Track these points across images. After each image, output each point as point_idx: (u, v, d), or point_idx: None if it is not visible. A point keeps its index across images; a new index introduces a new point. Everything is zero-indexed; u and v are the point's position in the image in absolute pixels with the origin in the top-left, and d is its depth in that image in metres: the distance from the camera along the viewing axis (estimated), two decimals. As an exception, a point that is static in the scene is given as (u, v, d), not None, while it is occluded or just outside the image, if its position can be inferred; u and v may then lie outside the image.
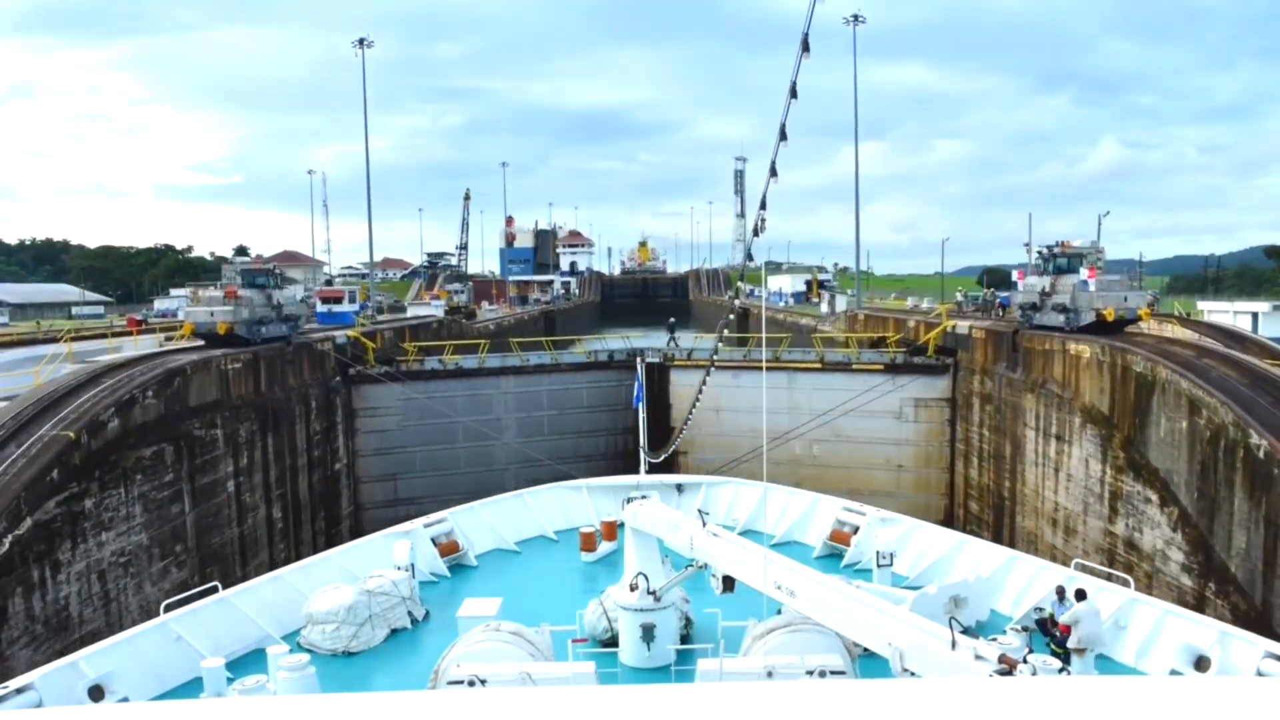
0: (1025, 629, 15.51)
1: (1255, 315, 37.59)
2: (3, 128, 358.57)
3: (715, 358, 39.13)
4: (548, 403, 45.49)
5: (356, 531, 35.94)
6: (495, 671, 11.56)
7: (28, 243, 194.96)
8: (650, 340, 53.75)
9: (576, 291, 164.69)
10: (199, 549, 28.43)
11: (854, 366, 43.02)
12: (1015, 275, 44.99)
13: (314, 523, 37.08)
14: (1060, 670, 11.72)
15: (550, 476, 28.16)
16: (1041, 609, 16.01)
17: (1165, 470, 26.27)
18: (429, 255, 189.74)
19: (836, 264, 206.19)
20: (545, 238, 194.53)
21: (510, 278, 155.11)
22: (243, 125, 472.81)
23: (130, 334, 44.16)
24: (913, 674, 10.15)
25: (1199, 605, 23.08)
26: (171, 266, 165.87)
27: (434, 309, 67.98)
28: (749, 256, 45.55)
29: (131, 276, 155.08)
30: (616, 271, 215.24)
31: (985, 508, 38.32)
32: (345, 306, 53.06)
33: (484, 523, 22.79)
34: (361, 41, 69.29)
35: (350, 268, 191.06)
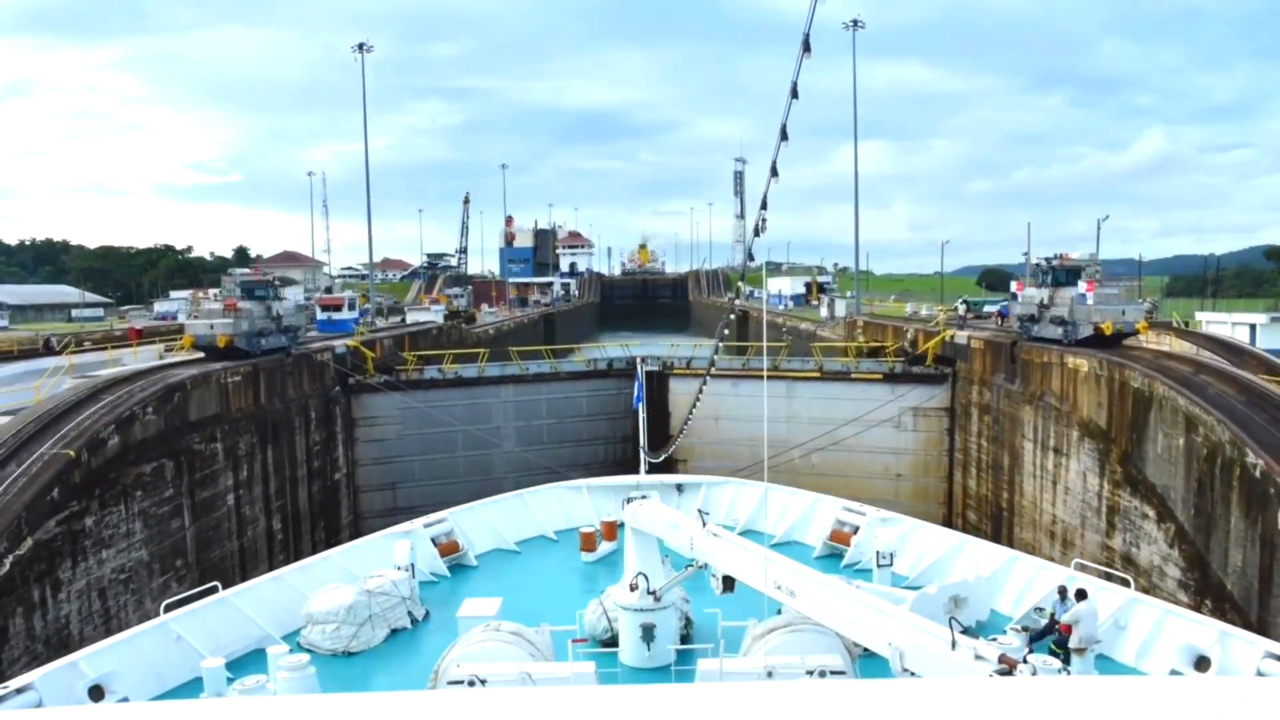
0: (1025, 629, 15.55)
1: (1253, 327, 37.63)
2: (1, 127, 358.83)
3: (712, 367, 39.32)
4: (547, 411, 45.55)
5: (356, 541, 35.95)
6: (495, 671, 11.58)
7: (27, 243, 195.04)
8: (650, 349, 53.81)
9: (576, 293, 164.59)
10: (199, 563, 28.49)
11: (853, 376, 43.09)
12: (1014, 286, 45.06)
13: (314, 533, 37.14)
14: (1060, 670, 11.77)
15: None
16: (1041, 609, 16.03)
17: (1162, 486, 26.36)
18: (429, 256, 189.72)
19: (836, 264, 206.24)
20: (545, 237, 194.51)
21: (510, 279, 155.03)
22: (241, 124, 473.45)
23: (130, 344, 44.21)
24: (913, 674, 10.15)
25: (1195, 622, 23.13)
26: (171, 267, 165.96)
27: (433, 314, 67.98)
28: (749, 256, 45.53)
29: (131, 277, 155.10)
30: (616, 272, 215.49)
31: (984, 518, 38.39)
32: (345, 314, 53.09)
33: (484, 523, 22.77)
34: (361, 46, 69.25)
35: (350, 268, 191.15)
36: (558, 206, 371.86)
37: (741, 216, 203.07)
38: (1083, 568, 17.19)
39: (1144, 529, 27.05)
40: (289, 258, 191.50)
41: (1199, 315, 43.97)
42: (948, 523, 40.95)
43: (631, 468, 26.75)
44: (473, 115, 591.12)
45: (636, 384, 27.88)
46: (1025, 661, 9.57)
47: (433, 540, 20.89)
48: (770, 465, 38.08)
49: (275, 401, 34.92)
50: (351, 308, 54.97)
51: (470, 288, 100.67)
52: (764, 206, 16.72)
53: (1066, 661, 13.77)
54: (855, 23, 64.89)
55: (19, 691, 12.27)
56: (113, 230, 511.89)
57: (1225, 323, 39.96)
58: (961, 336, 41.21)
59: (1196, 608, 24.84)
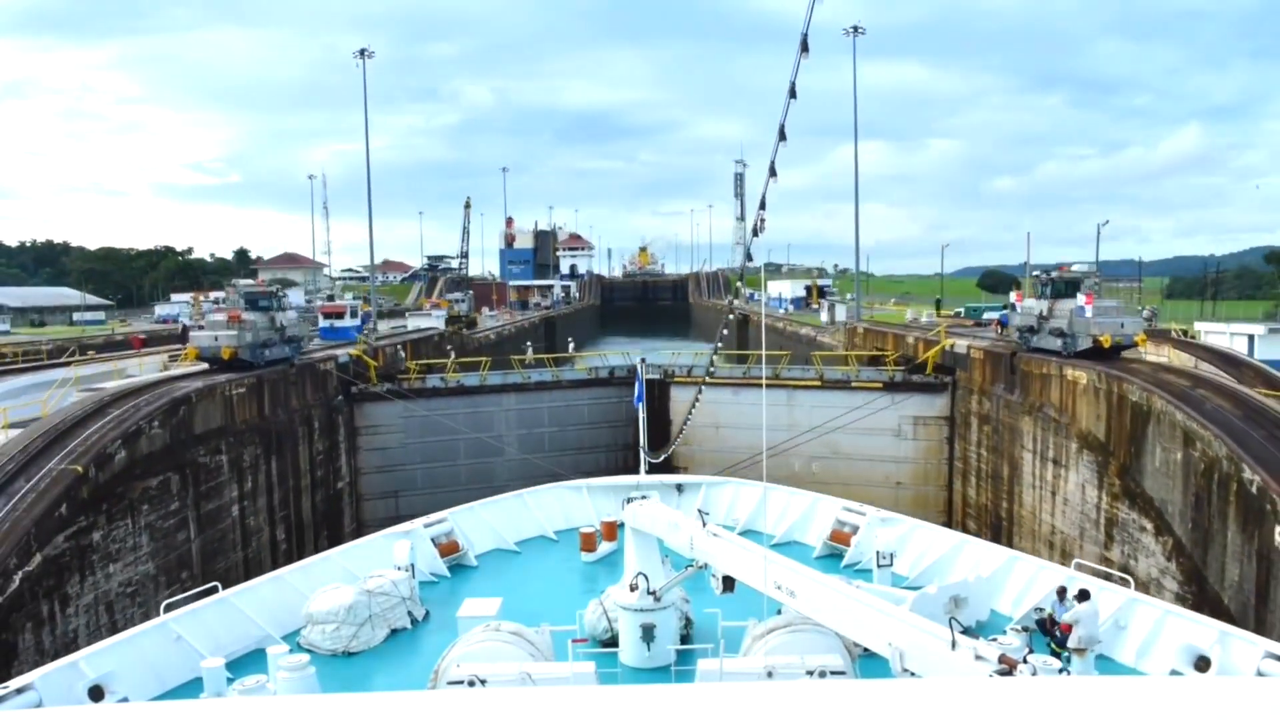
0: (1025, 629, 15.52)
1: (1251, 337, 37.83)
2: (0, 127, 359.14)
3: (709, 374, 39.49)
4: (548, 419, 45.79)
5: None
6: (495, 671, 11.57)
7: (28, 244, 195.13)
8: (651, 354, 53.93)
9: (577, 295, 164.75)
10: (204, 574, 28.62)
11: (853, 384, 43.29)
12: (1014, 296, 45.22)
13: (317, 542, 37.30)
14: (1060, 670, 11.77)
15: None
16: (1041, 609, 16.04)
17: (1160, 500, 26.56)
18: (429, 258, 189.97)
19: (836, 265, 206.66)
20: (545, 238, 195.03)
21: (510, 281, 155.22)
22: (238, 125, 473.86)
23: (134, 353, 44.42)
24: (913, 674, 10.13)
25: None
26: (172, 269, 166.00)
27: (434, 319, 68.19)
28: (749, 256, 45.64)
29: (132, 279, 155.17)
30: (617, 273, 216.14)
31: (983, 527, 38.57)
32: (347, 322, 53.28)
33: (484, 523, 22.73)
34: (363, 52, 69.55)
35: (350, 270, 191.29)
36: (558, 208, 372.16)
37: (742, 218, 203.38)
38: (1082, 568, 17.19)
39: (1142, 541, 27.25)
40: (289, 259, 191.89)
41: (1198, 325, 44.15)
42: (947, 531, 41.22)
43: (633, 475, 26.83)
44: (469, 115, 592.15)
45: (637, 383, 27.81)
46: (1025, 661, 9.57)
47: (433, 540, 20.85)
48: (770, 473, 38.30)
49: (279, 412, 35.13)
50: (353, 315, 55.16)
51: (471, 293, 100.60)
52: (763, 206, 16.64)
53: (1067, 661, 13.82)
54: (855, 29, 65.18)
55: (19, 691, 12.27)
56: (113, 231, 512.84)
57: (1224, 333, 40.15)
58: (961, 346, 41.42)
59: (1193, 620, 25.10)
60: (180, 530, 27.64)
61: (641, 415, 25.86)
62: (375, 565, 18.47)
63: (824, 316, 76.33)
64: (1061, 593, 15.42)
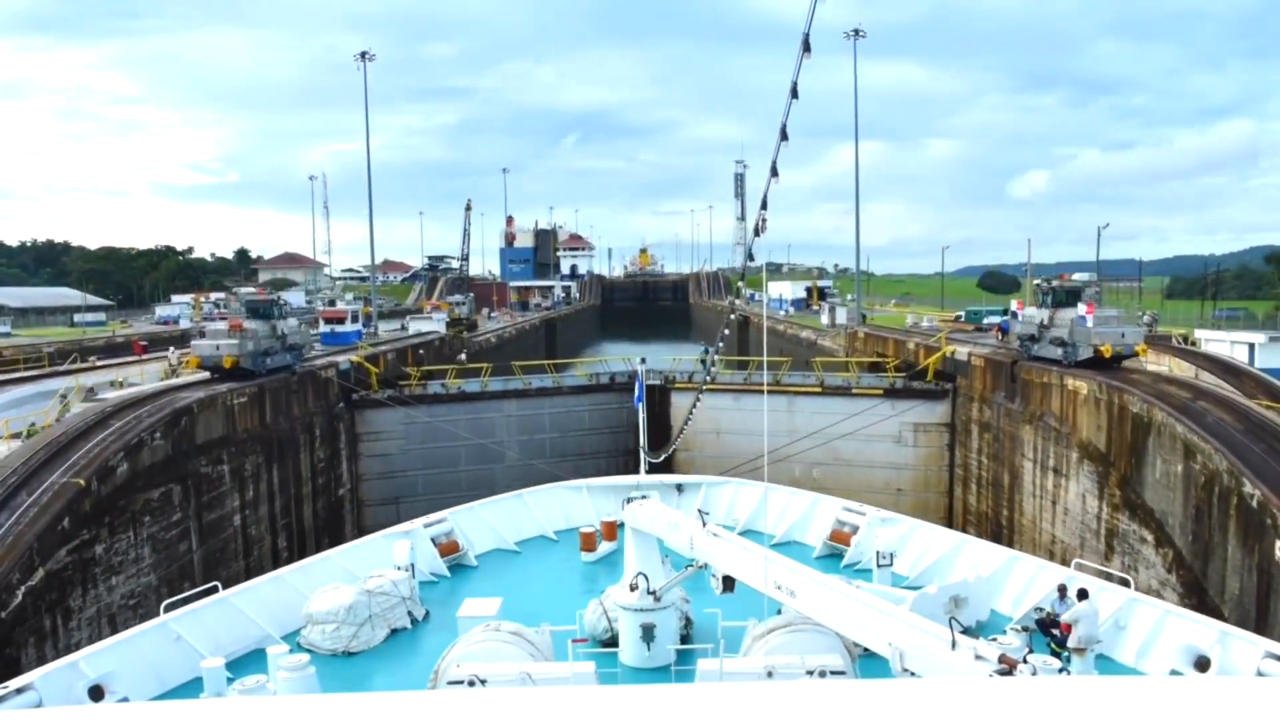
0: (1025, 629, 15.52)
1: (1251, 346, 37.89)
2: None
3: (708, 378, 39.54)
4: (549, 426, 45.84)
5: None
6: (495, 671, 11.55)
7: (28, 244, 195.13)
8: (651, 358, 53.94)
9: (577, 295, 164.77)
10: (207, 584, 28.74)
11: (854, 391, 43.34)
12: (1015, 305, 45.24)
13: (318, 549, 37.30)
14: (1060, 670, 11.75)
15: None
16: (1041, 609, 16.03)
17: (1161, 512, 26.60)
18: (430, 259, 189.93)
19: (836, 265, 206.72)
20: (545, 238, 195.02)
21: (511, 282, 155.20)
22: (236, 124, 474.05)
23: (136, 359, 44.46)
24: (913, 674, 10.10)
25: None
26: (173, 269, 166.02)
27: (435, 323, 68.16)
28: (750, 256, 45.65)
29: (133, 279, 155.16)
30: (618, 273, 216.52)
31: (983, 534, 38.55)
32: (348, 327, 53.29)
33: (484, 523, 22.66)
34: (364, 55, 69.67)
35: (351, 270, 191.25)
36: (558, 208, 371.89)
37: (742, 219, 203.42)
38: (1082, 568, 17.18)
39: (1142, 553, 27.30)
40: (290, 259, 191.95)
41: (1199, 333, 44.18)
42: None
43: (633, 475, 26.74)
44: (467, 115, 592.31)
45: (637, 384, 27.74)
46: (1025, 661, 9.54)
47: (433, 540, 20.79)
48: (771, 479, 38.35)
49: (280, 420, 35.18)
50: (354, 320, 55.16)
51: (472, 296, 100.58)
52: (764, 206, 16.63)
53: (1067, 661, 13.82)
54: (856, 32, 65.23)
55: (19, 691, 12.24)
56: (113, 231, 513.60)
57: (1224, 341, 40.20)
58: (962, 353, 41.46)
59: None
60: (182, 541, 27.69)
61: (641, 415, 25.74)
62: (375, 565, 18.42)
63: (825, 319, 76.32)
64: (1062, 591, 15.41)
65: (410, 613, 17.42)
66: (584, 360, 60.94)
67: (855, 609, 11.41)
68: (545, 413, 45.88)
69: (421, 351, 55.11)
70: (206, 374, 34.27)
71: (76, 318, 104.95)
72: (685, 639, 15.25)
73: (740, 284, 75.99)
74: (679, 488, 24.52)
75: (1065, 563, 31.55)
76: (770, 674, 11.67)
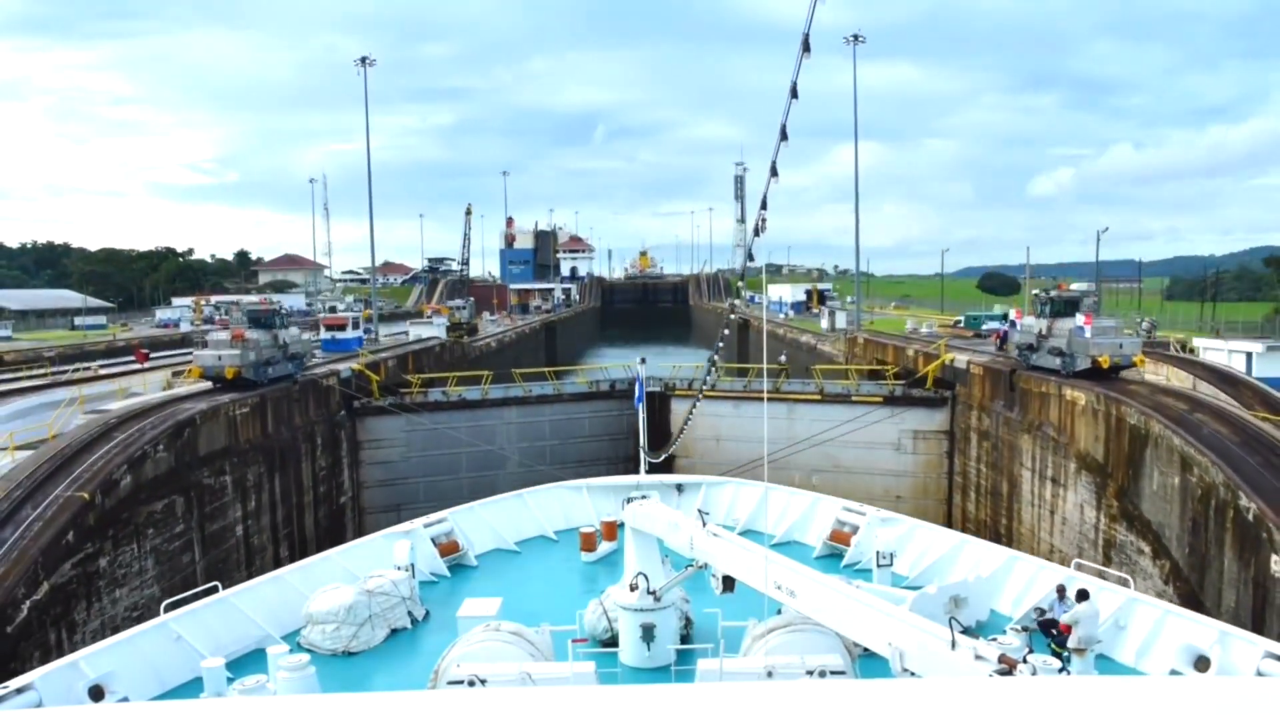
0: (1025, 629, 15.56)
1: (1249, 355, 38.06)
2: None
3: (706, 383, 39.68)
4: (550, 433, 45.99)
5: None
6: (495, 671, 11.57)
7: (29, 246, 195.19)
8: (652, 362, 54.03)
9: (577, 298, 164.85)
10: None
11: (853, 398, 43.47)
12: (1013, 314, 45.39)
13: (320, 558, 37.58)
14: (1060, 670, 11.80)
15: None
16: (1041, 609, 16.05)
17: (1158, 523, 26.75)
18: (430, 260, 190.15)
19: (836, 266, 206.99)
20: (545, 239, 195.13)
21: (511, 284, 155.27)
22: (233, 125, 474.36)
23: (136, 369, 44.62)
24: (913, 674, 10.11)
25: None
26: (173, 270, 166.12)
27: (435, 328, 68.24)
28: (750, 257, 45.67)
29: (133, 281, 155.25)
30: (618, 274, 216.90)
31: (982, 542, 38.81)
32: (349, 334, 53.42)
33: (484, 523, 22.68)
34: (364, 60, 69.88)
35: (351, 272, 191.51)
36: (558, 209, 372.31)
37: (742, 220, 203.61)
38: (1082, 568, 17.21)
39: (1140, 564, 27.44)
40: (290, 260, 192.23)
41: (1196, 342, 44.33)
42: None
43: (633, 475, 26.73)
44: (463, 115, 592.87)
45: (637, 384, 27.75)
46: (1025, 661, 9.55)
47: (433, 540, 20.83)
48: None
49: (282, 430, 35.33)
50: (355, 326, 55.30)
51: (472, 300, 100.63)
52: (764, 206, 16.56)
53: (1066, 661, 13.86)
54: (856, 37, 65.39)
55: (19, 691, 12.27)
56: (113, 232, 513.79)
57: (1222, 350, 40.36)
58: (961, 361, 41.60)
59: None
60: (185, 552, 27.84)
61: (641, 415, 25.73)
62: (375, 565, 18.46)
63: (824, 323, 76.44)
64: (1061, 592, 15.44)
65: (410, 613, 17.44)
66: (584, 367, 61.04)
67: (855, 609, 11.42)
68: (545, 420, 46.04)
69: (423, 358, 55.30)
70: (208, 384, 34.40)
71: (77, 321, 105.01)
72: (685, 639, 15.29)
73: (740, 284, 76.08)
74: (679, 488, 24.53)
75: (1063, 572, 31.91)
76: (770, 674, 11.69)
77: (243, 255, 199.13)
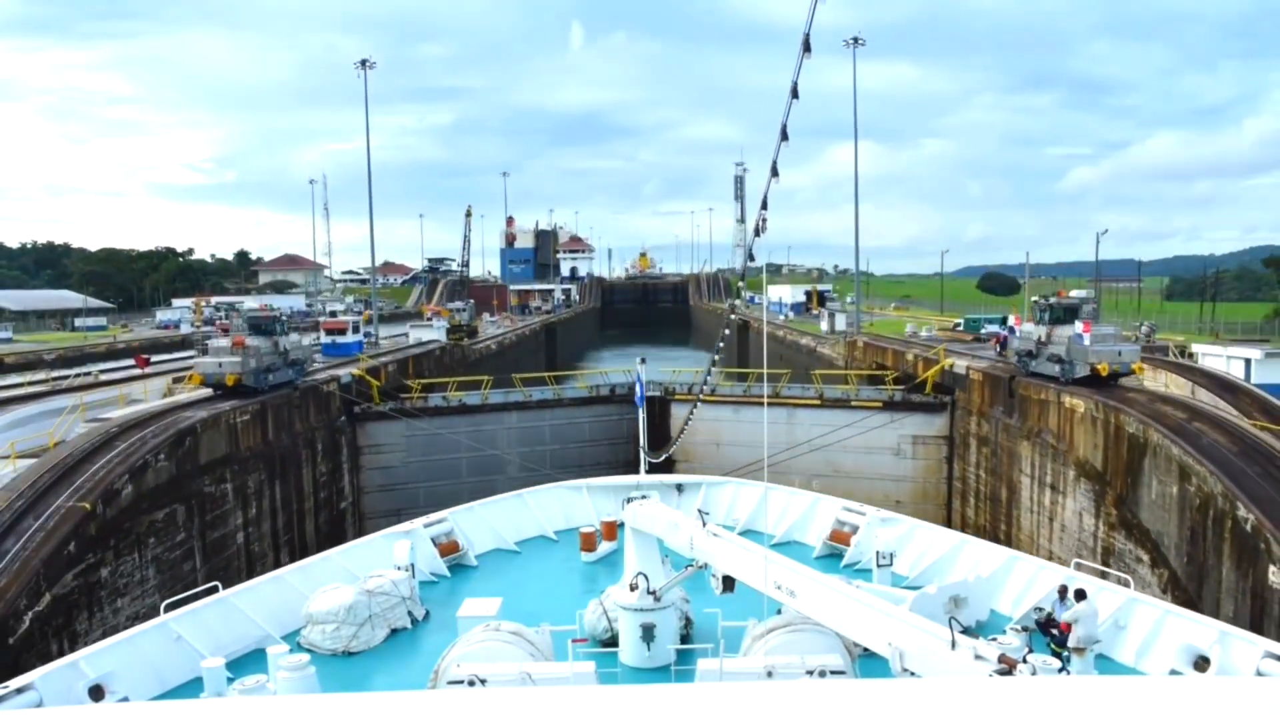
0: (1025, 629, 15.55)
1: (1248, 361, 38.14)
2: None
3: (705, 386, 39.71)
4: (550, 437, 46.07)
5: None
6: (495, 671, 11.57)
7: (29, 246, 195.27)
8: (652, 365, 54.07)
9: (577, 298, 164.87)
10: (210, 603, 28.97)
11: (853, 403, 43.55)
12: (1012, 320, 45.43)
13: (320, 563, 37.64)
14: (1060, 670, 11.78)
15: None
16: (1041, 609, 16.06)
17: (1156, 532, 26.83)
18: (430, 261, 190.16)
19: (836, 266, 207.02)
20: (545, 238, 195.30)
21: (511, 285, 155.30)
22: (231, 125, 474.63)
23: (136, 373, 44.69)
24: (913, 674, 10.09)
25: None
26: (173, 270, 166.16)
27: (435, 330, 68.30)
28: (750, 256, 45.69)
29: (133, 281, 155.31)
30: (618, 273, 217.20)
31: (981, 548, 38.88)
32: (350, 338, 53.48)
33: (484, 523, 22.66)
34: (364, 63, 69.95)
35: (351, 272, 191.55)
36: (558, 209, 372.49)
37: (742, 221, 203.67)
38: (1081, 567, 17.22)
39: (1138, 572, 27.50)
40: (290, 260, 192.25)
41: (1196, 348, 44.39)
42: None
43: (633, 475, 26.71)
44: (461, 114, 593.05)
45: (637, 383, 27.72)
46: (1025, 661, 9.53)
47: (433, 540, 20.78)
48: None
49: (283, 437, 35.39)
50: (356, 330, 55.37)
51: (472, 303, 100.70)
52: (764, 206, 16.59)
53: (1066, 661, 13.88)
54: (856, 40, 65.46)
55: (19, 691, 12.26)
56: (112, 231, 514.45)
57: (1220, 356, 40.43)
58: (960, 366, 41.66)
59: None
60: (186, 561, 27.92)
61: (641, 414, 25.70)
62: (375, 565, 18.45)
63: (824, 325, 76.50)
64: (1062, 593, 15.48)
65: (410, 613, 17.46)
66: (584, 372, 61.17)
67: (855, 609, 11.41)
68: (546, 424, 46.13)
69: (423, 362, 55.36)
70: (209, 391, 34.46)
71: (77, 322, 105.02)
72: (685, 639, 15.28)
73: (740, 284, 76.14)
74: (679, 488, 24.51)
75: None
76: (770, 674, 11.70)
77: (243, 255, 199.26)
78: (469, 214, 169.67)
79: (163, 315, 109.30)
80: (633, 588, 14.85)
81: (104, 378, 44.17)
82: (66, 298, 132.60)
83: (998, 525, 37.23)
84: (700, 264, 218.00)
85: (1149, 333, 52.52)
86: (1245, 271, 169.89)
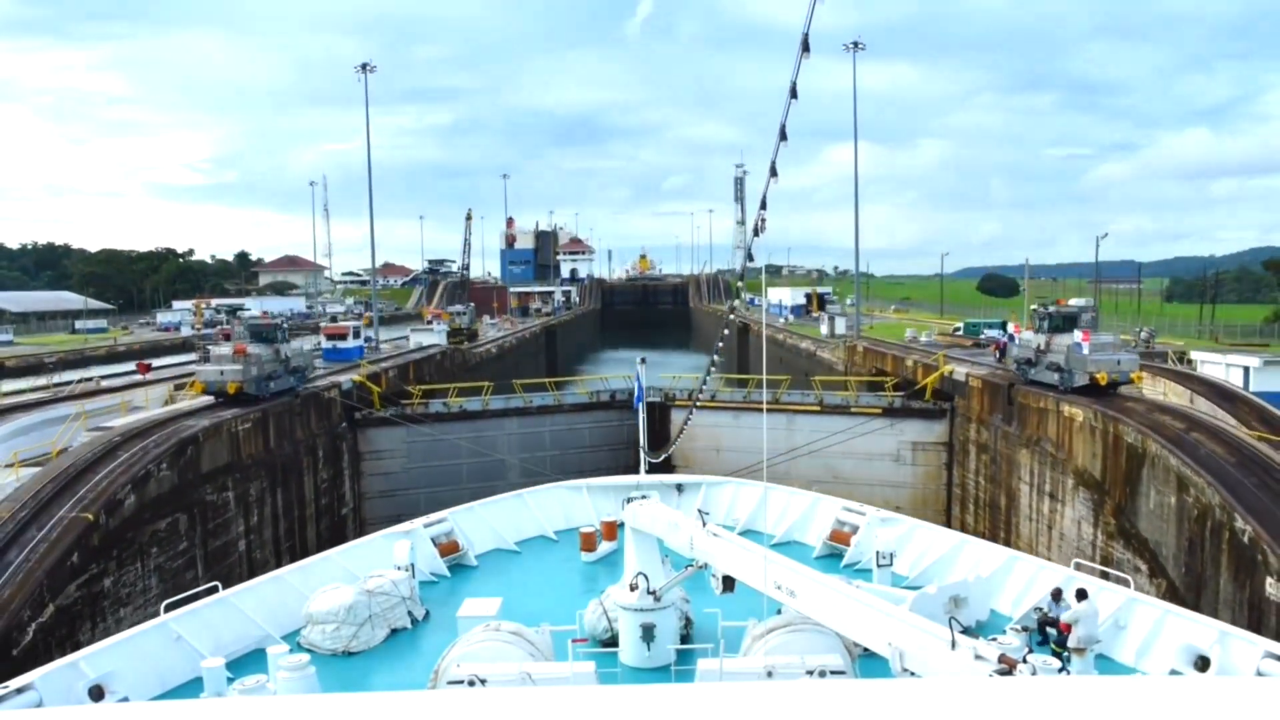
0: (1025, 629, 15.56)
1: (1246, 370, 38.26)
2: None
3: (700, 393, 39.78)
4: (550, 443, 46.16)
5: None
6: (495, 671, 11.58)
7: (29, 247, 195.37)
8: (651, 365, 54.08)
9: (577, 300, 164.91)
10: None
11: (852, 409, 43.63)
12: (1011, 328, 45.52)
13: (322, 570, 37.75)
14: (1060, 670, 11.81)
15: None
16: (1041, 609, 16.08)
17: (1155, 542, 26.94)
18: (430, 262, 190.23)
19: (836, 267, 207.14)
20: (546, 239, 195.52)
21: (511, 286, 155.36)
22: (232, 125, 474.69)
23: (138, 379, 44.79)
24: (913, 674, 10.06)
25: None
26: (173, 271, 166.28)
27: (436, 334, 68.35)
28: (749, 257, 45.62)
29: (134, 282, 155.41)
30: (618, 274, 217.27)
31: (981, 554, 38.98)
32: (350, 343, 53.55)
33: (484, 523, 22.67)
34: (364, 67, 69.99)
35: (351, 273, 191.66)
36: (558, 210, 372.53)
37: (742, 222, 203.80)
38: (1081, 567, 17.21)
39: (1136, 582, 27.50)
40: (290, 261, 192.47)
41: (1195, 355, 44.51)
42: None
43: (633, 474, 26.73)
44: (460, 115, 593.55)
45: (637, 383, 27.75)
46: (1025, 661, 9.52)
47: (433, 540, 20.77)
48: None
49: (284, 444, 35.49)
50: (356, 335, 55.45)
51: (472, 306, 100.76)
52: (763, 206, 16.57)
53: (1066, 661, 13.91)
54: (855, 44, 65.56)
55: (19, 691, 12.27)
56: (112, 232, 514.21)
57: (1220, 363, 40.54)
58: (960, 373, 41.76)
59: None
60: (189, 569, 28.00)
61: (641, 415, 25.66)
62: (375, 565, 18.47)
63: (824, 329, 76.57)
64: (1057, 595, 15.49)
65: (410, 613, 17.48)
66: (584, 378, 61.25)
67: (855, 609, 11.41)
68: (546, 430, 46.23)
69: (424, 367, 55.45)
70: (210, 398, 34.55)
71: (78, 324, 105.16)
72: (685, 639, 15.30)
73: (740, 285, 76.21)
74: (679, 488, 24.52)
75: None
76: (770, 674, 11.72)
77: (243, 256, 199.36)
78: (469, 217, 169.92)
79: (163, 317, 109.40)
80: (633, 588, 14.87)
81: (105, 384, 44.26)
82: (67, 299, 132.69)
83: (997, 532, 37.32)
84: (700, 265, 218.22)
85: (1148, 338, 52.65)
86: (1245, 273, 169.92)
